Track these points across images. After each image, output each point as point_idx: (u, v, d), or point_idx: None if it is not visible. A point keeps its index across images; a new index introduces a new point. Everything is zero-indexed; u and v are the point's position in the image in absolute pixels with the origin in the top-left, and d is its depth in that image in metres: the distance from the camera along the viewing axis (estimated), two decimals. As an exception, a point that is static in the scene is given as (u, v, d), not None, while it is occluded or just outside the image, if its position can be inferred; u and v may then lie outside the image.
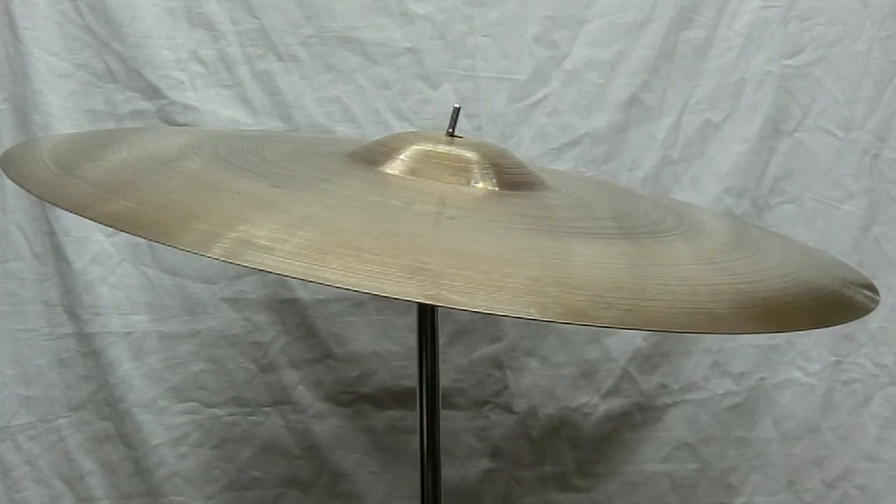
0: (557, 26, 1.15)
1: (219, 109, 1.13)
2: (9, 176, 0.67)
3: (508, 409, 1.21)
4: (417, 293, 0.52)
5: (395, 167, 0.75)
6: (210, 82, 1.13)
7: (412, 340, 1.16)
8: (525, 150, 1.15)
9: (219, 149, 0.77)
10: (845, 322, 0.69)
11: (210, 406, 1.18)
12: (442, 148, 0.77)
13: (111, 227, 0.59)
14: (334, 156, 0.81)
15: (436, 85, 1.15)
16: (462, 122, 0.84)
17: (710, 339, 1.21)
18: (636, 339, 1.20)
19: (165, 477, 1.17)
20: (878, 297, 0.74)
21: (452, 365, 1.19)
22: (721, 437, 1.23)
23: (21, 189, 0.66)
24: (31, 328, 1.15)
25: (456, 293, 0.52)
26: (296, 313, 1.17)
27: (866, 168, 1.19)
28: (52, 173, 0.66)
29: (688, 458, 1.23)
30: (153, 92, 1.12)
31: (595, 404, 1.21)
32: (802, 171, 1.19)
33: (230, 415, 1.18)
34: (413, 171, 0.74)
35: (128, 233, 0.58)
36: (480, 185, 0.75)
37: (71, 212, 0.60)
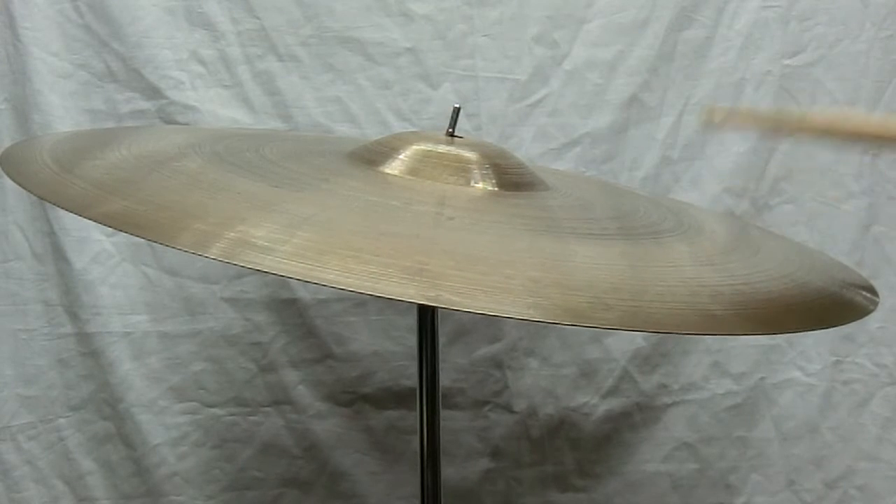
0: (557, 26, 1.15)
1: (219, 109, 1.13)
2: (9, 175, 0.67)
3: (508, 409, 1.21)
4: (417, 294, 0.52)
5: (394, 167, 0.75)
6: (210, 82, 1.13)
7: (412, 340, 1.16)
8: (525, 150, 1.15)
9: (218, 148, 0.77)
10: (844, 324, 0.69)
11: (210, 406, 1.18)
12: (442, 148, 0.77)
13: (110, 227, 0.59)
14: (334, 156, 0.81)
15: (436, 85, 1.15)
16: (462, 122, 0.84)
17: (710, 340, 1.21)
18: (636, 339, 1.20)
19: (165, 477, 1.17)
20: (877, 299, 0.74)
21: (452, 365, 1.19)
22: (721, 437, 1.23)
23: (21, 189, 0.66)
24: (31, 328, 1.15)
25: (455, 294, 0.52)
26: (296, 313, 1.17)
27: (866, 168, 1.19)
28: (52, 172, 0.66)
29: (688, 458, 1.23)
30: (153, 92, 1.12)
31: (595, 404, 1.21)
32: (802, 171, 1.19)
33: (230, 415, 1.18)
34: (413, 171, 0.74)
35: (127, 233, 0.58)
36: (480, 185, 0.75)
37: (71, 211, 0.60)
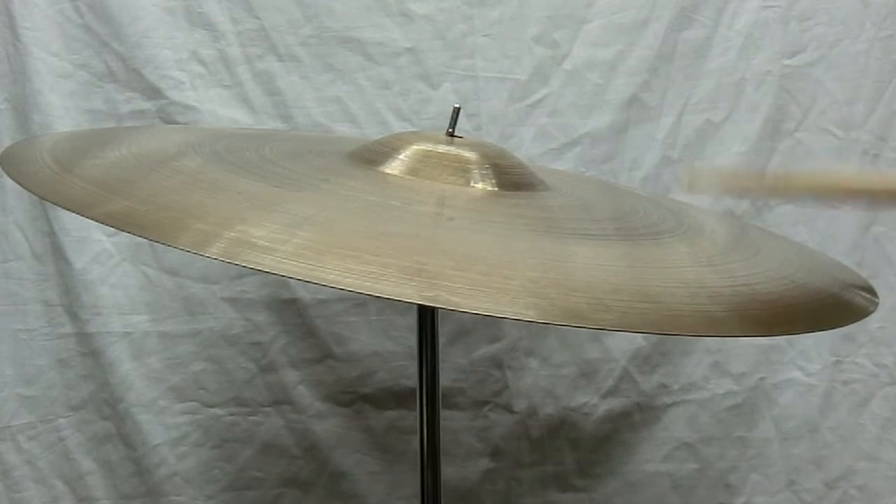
0: (557, 26, 1.15)
1: (219, 109, 1.13)
2: (9, 175, 0.67)
3: (508, 409, 1.21)
4: (416, 295, 0.52)
5: (394, 167, 0.75)
6: (210, 82, 1.13)
7: (412, 340, 1.16)
8: (525, 150, 1.15)
9: (218, 148, 0.77)
10: (844, 325, 0.69)
11: (210, 406, 1.18)
12: (442, 148, 0.77)
13: (111, 227, 0.59)
14: (334, 155, 0.81)
15: (436, 85, 1.15)
16: (462, 122, 0.84)
17: (711, 340, 1.21)
18: (636, 339, 1.20)
19: (165, 477, 1.17)
20: (876, 300, 0.74)
21: (452, 365, 1.19)
22: (721, 437, 1.23)
23: (21, 189, 0.66)
24: (31, 328, 1.15)
25: (455, 295, 0.52)
26: (296, 313, 1.17)
27: (866, 168, 1.19)
28: (52, 172, 0.66)
29: (688, 458, 1.23)
30: (153, 92, 1.12)
31: (595, 404, 1.21)
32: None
33: (230, 415, 1.18)
34: (413, 171, 0.74)
35: (127, 233, 0.58)
36: (480, 185, 0.75)
37: (71, 211, 0.60)
